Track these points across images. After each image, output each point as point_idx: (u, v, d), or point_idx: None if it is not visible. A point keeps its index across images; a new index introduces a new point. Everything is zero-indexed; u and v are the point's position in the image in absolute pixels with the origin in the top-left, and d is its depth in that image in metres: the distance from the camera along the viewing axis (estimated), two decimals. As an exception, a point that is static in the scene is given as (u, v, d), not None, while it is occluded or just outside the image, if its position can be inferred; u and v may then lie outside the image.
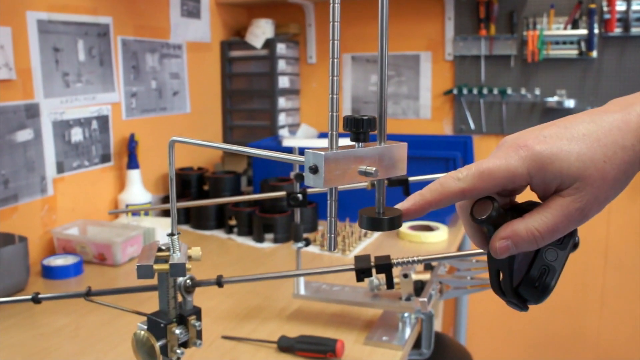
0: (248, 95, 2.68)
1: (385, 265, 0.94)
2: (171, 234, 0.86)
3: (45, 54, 1.74)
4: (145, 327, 0.91)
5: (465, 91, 2.49)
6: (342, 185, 0.53)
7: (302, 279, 1.47)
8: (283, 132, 2.66)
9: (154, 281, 0.91)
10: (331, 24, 0.52)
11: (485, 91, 2.46)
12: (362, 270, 0.96)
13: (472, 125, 2.52)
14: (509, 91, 2.43)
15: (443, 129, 2.61)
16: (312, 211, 2.12)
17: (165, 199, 2.25)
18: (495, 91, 2.44)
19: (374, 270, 1.00)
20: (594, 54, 2.26)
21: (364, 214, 0.57)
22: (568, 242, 0.56)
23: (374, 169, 0.54)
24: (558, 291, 2.16)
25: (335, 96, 0.52)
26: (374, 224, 0.57)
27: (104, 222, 1.89)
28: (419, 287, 1.28)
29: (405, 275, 1.28)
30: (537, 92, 2.39)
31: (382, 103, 0.55)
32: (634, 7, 2.18)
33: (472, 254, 1.01)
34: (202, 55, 2.53)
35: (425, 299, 1.15)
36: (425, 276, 1.31)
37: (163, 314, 0.92)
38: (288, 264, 1.80)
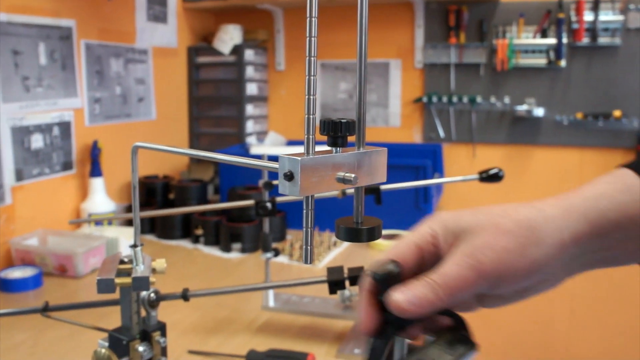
0: (215, 102, 2.63)
1: (358, 277, 0.90)
2: (134, 245, 0.81)
3: (4, 56, 1.66)
4: (107, 344, 0.86)
5: (435, 99, 2.48)
6: (319, 193, 0.50)
7: (271, 290, 1.42)
8: (251, 140, 2.61)
9: (116, 295, 0.86)
10: (308, 19, 0.48)
11: (455, 99, 2.45)
12: (335, 282, 0.93)
13: (442, 134, 2.52)
14: (479, 99, 2.43)
15: (412, 137, 2.60)
16: (280, 220, 2.08)
17: (130, 208, 2.19)
18: (465, 99, 2.44)
19: (347, 282, 0.96)
20: (563, 63, 2.28)
21: (341, 224, 0.54)
22: (460, 350, 0.52)
23: (353, 175, 0.51)
24: (527, 301, 2.12)
25: (312, 97, 0.49)
26: (352, 235, 0.54)
27: (65, 232, 1.82)
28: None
29: None
30: (507, 100, 2.40)
31: (361, 105, 0.52)
32: (602, 17, 2.20)
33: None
34: (168, 60, 2.47)
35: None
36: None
37: (125, 329, 0.87)
38: (256, 274, 1.76)
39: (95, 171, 1.98)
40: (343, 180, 0.51)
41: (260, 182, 1.32)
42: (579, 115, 2.30)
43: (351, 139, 0.53)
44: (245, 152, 2.40)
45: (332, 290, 0.94)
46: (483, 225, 0.48)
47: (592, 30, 2.22)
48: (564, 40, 2.26)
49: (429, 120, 2.54)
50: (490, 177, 1.36)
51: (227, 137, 2.60)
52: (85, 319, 0.94)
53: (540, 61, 2.31)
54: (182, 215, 2.07)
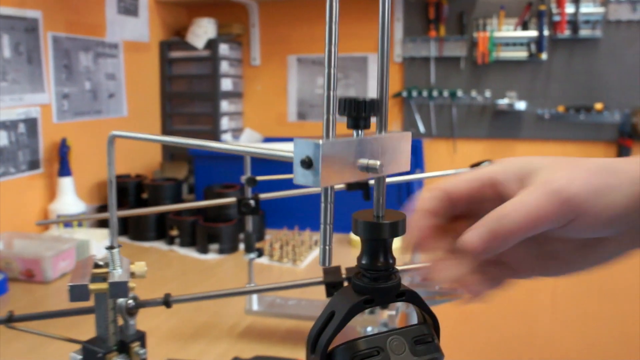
0: (189, 98, 2.55)
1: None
2: (110, 247, 0.74)
3: (-36, 49, 1.57)
4: (80, 356, 0.79)
5: (414, 94, 2.43)
6: (340, 183, 0.43)
7: (254, 296, 1.35)
8: (226, 137, 2.53)
9: (90, 302, 0.79)
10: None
11: (435, 93, 2.41)
12: (332, 284, 0.86)
13: (422, 129, 2.47)
14: (459, 93, 2.38)
15: (392, 132, 2.54)
16: (259, 220, 2.01)
17: (101, 209, 2.10)
18: (446, 93, 2.39)
19: (345, 284, 0.90)
20: (544, 55, 2.24)
21: (359, 218, 0.48)
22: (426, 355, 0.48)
23: (378, 163, 0.44)
24: (510, 295, 2.07)
25: (333, 71, 0.42)
26: (373, 231, 0.48)
27: (32, 235, 1.72)
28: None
29: (372, 311, 1.19)
30: (488, 94, 2.36)
31: (384, 82, 0.46)
32: (583, 9, 2.17)
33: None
34: (140, 55, 2.38)
35: (394, 312, 1.06)
36: (391, 311, 1.22)
37: (101, 340, 0.80)
38: (236, 276, 1.69)
39: (64, 170, 1.88)
40: (367, 169, 0.45)
41: (243, 178, 1.25)
42: (561, 109, 2.27)
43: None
44: (222, 153, 2.32)
45: (330, 293, 0.87)
46: (559, 163, 0.43)
47: (574, 23, 2.19)
48: (545, 32, 2.23)
49: (408, 115, 2.49)
50: None
51: (202, 134, 2.52)
52: (55, 329, 0.87)
53: (522, 54, 2.28)
54: (157, 215, 1.99)
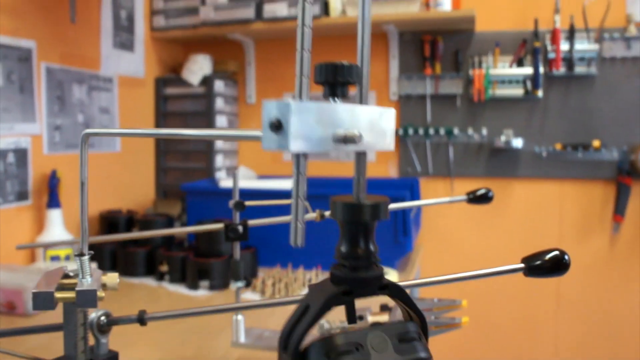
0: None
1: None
2: (80, 254, 0.69)
3: (-46, 75, 1.55)
4: (44, 376, 0.73)
5: (411, 131, 2.41)
6: (313, 151, 0.40)
7: (241, 325, 1.30)
8: (220, 175, 2.50)
9: (59, 318, 0.74)
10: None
11: (431, 131, 2.39)
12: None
13: (419, 167, 2.44)
14: (456, 131, 2.37)
15: (388, 171, 2.52)
16: (251, 256, 1.96)
17: (89, 249, 2.04)
18: (442, 131, 2.38)
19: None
20: (540, 93, 2.24)
21: (338, 200, 0.44)
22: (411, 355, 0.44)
23: (356, 132, 0.41)
24: (513, 295, 1.97)
25: (307, 29, 0.39)
26: (353, 212, 0.44)
27: (17, 267, 1.67)
28: (375, 329, 1.14)
29: (361, 317, 1.14)
30: (484, 132, 2.34)
31: (363, 50, 0.43)
32: (577, 47, 2.18)
33: (438, 281, 0.88)
34: (135, 91, 2.37)
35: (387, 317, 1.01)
36: (383, 317, 1.17)
37: (69, 359, 0.74)
38: (227, 315, 1.63)
39: (53, 202, 1.84)
40: (344, 140, 0.41)
41: (231, 203, 1.22)
42: (558, 146, 2.25)
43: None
44: (214, 186, 2.29)
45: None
46: None
47: (569, 60, 2.19)
48: (541, 69, 2.23)
49: (405, 154, 2.46)
50: (478, 197, 1.26)
51: (196, 171, 2.49)
52: (22, 347, 0.81)
53: (518, 91, 2.27)
54: (146, 250, 1.94)
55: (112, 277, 0.73)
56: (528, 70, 2.25)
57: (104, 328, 0.77)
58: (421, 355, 0.44)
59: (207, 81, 2.46)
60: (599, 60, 2.19)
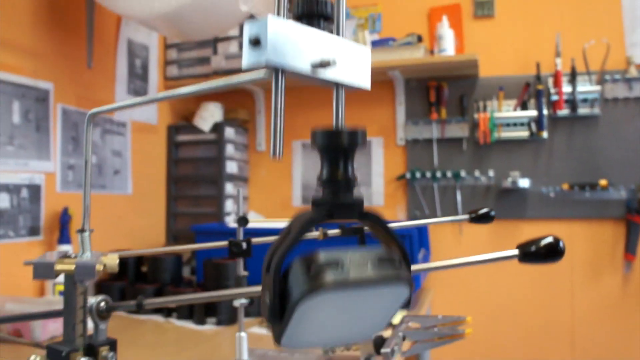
0: (194, 182, 2.57)
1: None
2: (81, 230, 0.72)
3: (-27, 109, 1.62)
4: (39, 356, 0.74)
5: (418, 175, 2.44)
6: (290, 69, 0.43)
7: (244, 342, 1.29)
8: (229, 219, 2.53)
9: (59, 305, 0.76)
10: None
11: (438, 175, 2.41)
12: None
13: (427, 210, 2.45)
14: (463, 174, 2.39)
15: (397, 215, 2.53)
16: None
17: (98, 286, 2.06)
18: (449, 174, 2.40)
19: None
20: (545, 134, 2.27)
21: (318, 129, 0.47)
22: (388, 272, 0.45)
23: (332, 57, 0.44)
24: (529, 288, 1.92)
25: None
26: (331, 138, 0.47)
27: (26, 299, 1.68)
28: (379, 343, 1.13)
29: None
30: (491, 174, 2.36)
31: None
32: (580, 88, 2.22)
33: (430, 268, 0.88)
34: (147, 136, 2.44)
35: (389, 350, 1.01)
36: (386, 331, 1.17)
37: (67, 342, 0.75)
38: (232, 345, 1.62)
39: (64, 239, 1.87)
40: (320, 64, 0.44)
41: (235, 218, 1.24)
42: (565, 186, 2.26)
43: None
44: (223, 227, 2.31)
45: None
46: None
47: (572, 101, 2.23)
48: (545, 111, 2.27)
49: (413, 198, 2.48)
50: (480, 217, 1.27)
51: (206, 216, 2.52)
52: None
53: (523, 133, 2.31)
54: (155, 288, 1.95)
55: (112, 258, 0.75)
56: (532, 112, 2.29)
57: (103, 314, 0.79)
58: (401, 274, 0.45)
59: (218, 128, 2.52)
60: (602, 101, 2.23)
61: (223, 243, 1.26)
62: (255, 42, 0.41)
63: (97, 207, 2.11)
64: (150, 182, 2.47)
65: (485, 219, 1.27)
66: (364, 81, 0.49)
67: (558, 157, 2.29)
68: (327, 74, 0.46)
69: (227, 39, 2.48)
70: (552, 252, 0.87)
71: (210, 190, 2.54)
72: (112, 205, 2.19)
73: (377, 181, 2.56)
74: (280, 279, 0.45)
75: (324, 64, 0.45)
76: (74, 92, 2.00)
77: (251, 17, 1.86)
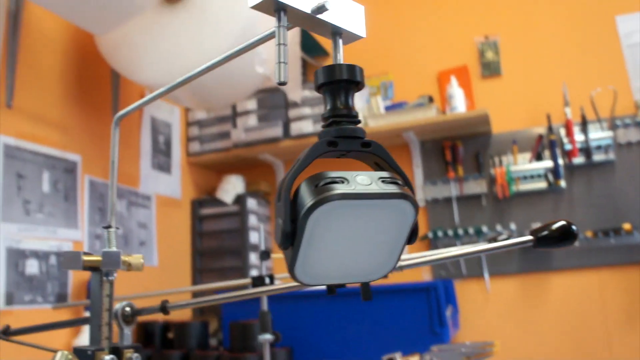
0: (219, 254, 2.60)
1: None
2: (107, 227, 0.75)
3: (8, 177, 1.69)
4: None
5: (440, 234, 2.45)
6: (292, 4, 0.48)
7: (271, 381, 1.28)
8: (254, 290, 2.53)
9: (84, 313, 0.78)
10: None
11: (460, 232, 2.42)
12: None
13: (452, 270, 2.44)
14: (485, 229, 2.39)
15: (422, 276, 2.51)
16: (285, 355, 1.94)
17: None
18: (471, 231, 2.40)
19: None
20: (562, 183, 2.28)
21: (319, 68, 0.52)
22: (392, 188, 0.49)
23: (328, 3, 0.49)
24: (559, 295, 1.87)
25: None
26: (331, 72, 0.51)
27: (53, 365, 1.68)
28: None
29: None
30: (513, 227, 2.36)
31: None
32: (592, 135, 2.26)
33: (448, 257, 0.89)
34: (172, 210, 2.50)
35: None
36: (414, 358, 1.16)
37: (93, 342, 0.77)
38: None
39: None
40: (318, 10, 0.50)
41: (258, 253, 1.26)
42: (589, 234, 2.24)
43: None
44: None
45: (331, 290, 0.84)
46: None
47: (586, 149, 2.26)
48: (560, 161, 2.29)
49: (437, 257, 2.47)
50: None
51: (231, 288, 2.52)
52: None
53: (540, 184, 2.32)
54: (182, 353, 1.94)
55: (137, 257, 0.78)
56: (548, 163, 2.31)
57: (128, 318, 0.81)
58: (404, 192, 0.48)
59: (240, 199, 2.57)
60: (616, 146, 2.25)
61: (246, 281, 1.28)
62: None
63: (123, 278, 2.13)
64: (175, 254, 2.50)
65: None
66: (360, 30, 0.54)
67: (578, 205, 2.29)
68: (325, 17, 0.51)
69: (246, 113, 2.58)
70: (566, 235, 0.88)
71: (234, 261, 2.56)
72: (137, 276, 2.22)
73: (399, 244, 2.56)
74: (291, 202, 0.48)
75: (321, 9, 0.49)
76: (101, 165, 2.09)
77: (267, 79, 1.95)
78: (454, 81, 2.39)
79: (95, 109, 2.09)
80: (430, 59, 2.64)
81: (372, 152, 0.51)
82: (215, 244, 2.62)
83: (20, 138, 1.76)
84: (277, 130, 2.51)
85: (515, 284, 2.38)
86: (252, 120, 2.57)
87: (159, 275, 2.35)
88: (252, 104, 2.57)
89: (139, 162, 2.30)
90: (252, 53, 1.76)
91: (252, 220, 2.59)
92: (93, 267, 0.73)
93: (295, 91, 2.35)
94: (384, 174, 0.49)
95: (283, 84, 0.48)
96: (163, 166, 2.45)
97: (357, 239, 0.50)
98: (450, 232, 2.44)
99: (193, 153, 2.64)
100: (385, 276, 0.55)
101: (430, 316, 1.97)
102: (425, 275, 2.50)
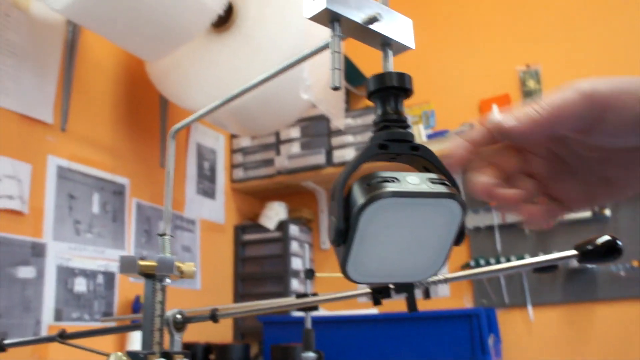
0: (260, 279, 2.63)
1: (406, 285, 0.82)
2: (162, 234, 0.79)
3: (61, 198, 1.76)
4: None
5: (482, 263, 2.43)
6: (345, 15, 0.51)
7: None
8: (296, 313, 2.54)
9: (136, 317, 0.81)
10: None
11: (503, 261, 2.39)
12: (379, 290, 0.85)
13: (494, 298, 2.41)
14: (528, 258, 2.36)
15: (464, 304, 2.49)
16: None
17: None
18: (514, 260, 2.37)
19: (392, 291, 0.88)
20: (607, 212, 2.24)
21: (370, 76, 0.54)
22: (440, 189, 0.50)
23: (379, 12, 0.52)
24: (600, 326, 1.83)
25: None
26: (382, 80, 0.53)
27: (98, 382, 1.72)
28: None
29: None
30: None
31: None
32: (638, 164, 2.22)
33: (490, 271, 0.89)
34: (215, 235, 2.54)
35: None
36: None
37: (145, 347, 0.80)
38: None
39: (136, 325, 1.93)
40: (369, 20, 0.53)
41: (303, 272, 1.28)
42: (636, 263, 2.19)
43: None
44: (291, 318, 2.32)
45: (377, 301, 0.86)
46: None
47: (632, 177, 2.23)
48: (605, 189, 2.26)
49: (479, 286, 2.45)
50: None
51: (272, 313, 2.54)
52: None
53: (585, 213, 2.29)
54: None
55: (189, 265, 0.81)
56: (592, 191, 2.28)
57: (179, 325, 0.83)
58: (453, 193, 0.50)
59: (282, 226, 2.60)
60: (663, 175, 2.21)
61: (292, 299, 1.29)
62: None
63: (167, 299, 2.17)
64: (218, 279, 2.54)
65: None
66: (409, 41, 0.56)
67: (624, 234, 2.24)
68: (376, 28, 0.54)
69: (289, 140, 2.63)
70: (611, 250, 0.88)
71: (276, 287, 2.58)
72: (181, 298, 2.26)
73: (442, 272, 2.54)
74: (344, 201, 0.50)
75: (373, 20, 0.52)
76: (148, 189, 2.15)
77: (312, 106, 1.99)
78: (495, 108, 2.39)
79: (143, 134, 2.16)
80: (472, 87, 2.65)
81: (421, 156, 0.53)
82: (257, 269, 2.65)
83: (73, 160, 1.83)
84: (319, 158, 2.54)
85: (559, 314, 2.33)
86: (295, 148, 2.61)
87: (201, 299, 2.38)
88: (295, 132, 2.62)
89: (184, 187, 2.36)
90: (297, 79, 1.80)
91: (294, 246, 2.61)
92: (148, 273, 0.76)
93: (339, 119, 2.39)
94: (433, 175, 0.51)
95: (337, 88, 0.51)
96: (208, 192, 2.50)
97: (407, 237, 0.52)
98: (492, 261, 2.42)
99: (237, 179, 2.69)
100: (434, 274, 0.56)
101: (473, 344, 1.94)
102: (467, 304, 2.48)
